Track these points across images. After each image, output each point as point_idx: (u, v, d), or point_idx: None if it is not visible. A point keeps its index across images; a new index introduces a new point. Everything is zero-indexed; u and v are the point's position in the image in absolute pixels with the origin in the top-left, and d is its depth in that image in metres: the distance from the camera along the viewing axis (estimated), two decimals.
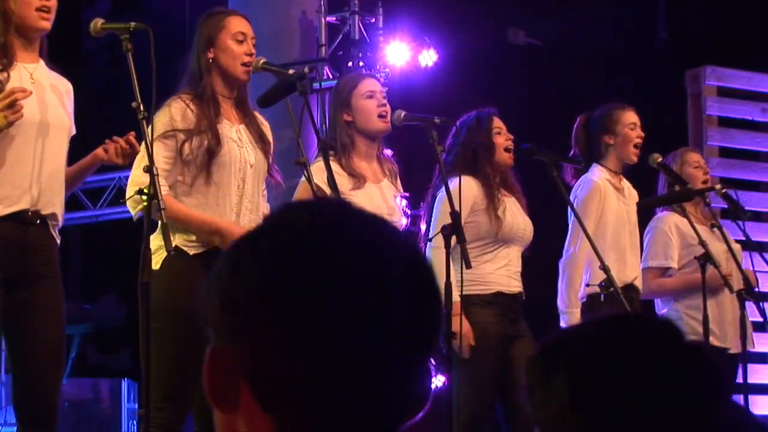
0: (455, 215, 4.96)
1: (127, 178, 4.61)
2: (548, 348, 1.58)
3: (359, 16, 8.80)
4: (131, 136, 4.44)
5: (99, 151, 4.47)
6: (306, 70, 4.36)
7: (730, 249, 6.31)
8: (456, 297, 5.17)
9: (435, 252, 5.45)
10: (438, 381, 6.19)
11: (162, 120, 4.54)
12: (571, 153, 6.12)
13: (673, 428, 1.48)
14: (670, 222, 6.40)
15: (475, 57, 9.26)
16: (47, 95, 4.38)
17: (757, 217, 8.25)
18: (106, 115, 8.95)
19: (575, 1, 9.44)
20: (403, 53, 8.57)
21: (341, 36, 8.76)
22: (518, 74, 9.52)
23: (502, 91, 8.01)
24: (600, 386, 1.51)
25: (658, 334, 1.55)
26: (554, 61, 9.31)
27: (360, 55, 8.64)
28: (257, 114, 4.82)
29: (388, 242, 1.30)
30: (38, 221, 4.31)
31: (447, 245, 4.96)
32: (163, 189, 4.23)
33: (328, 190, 5.02)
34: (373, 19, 8.89)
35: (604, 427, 1.50)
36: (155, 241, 4.60)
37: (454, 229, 4.96)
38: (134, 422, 8.36)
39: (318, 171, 4.91)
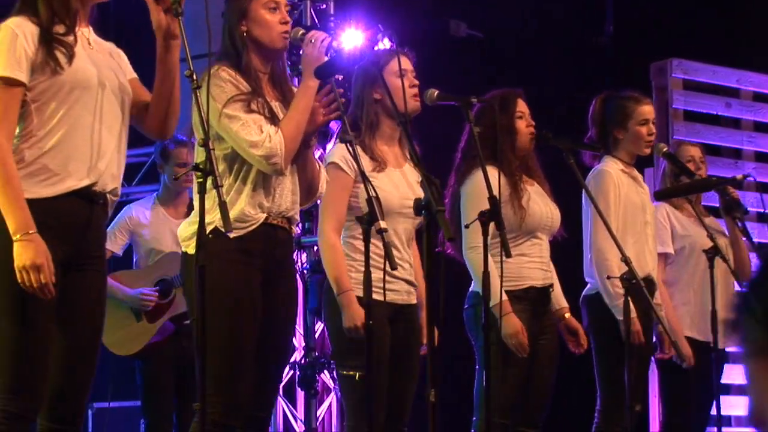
0: (494, 200, 4.66)
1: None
2: None
3: (311, 2, 8.52)
4: None
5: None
6: (379, 37, 4.02)
7: (735, 242, 6.21)
8: (504, 296, 5.02)
9: (477, 255, 5.17)
10: None
11: (224, 87, 4.21)
12: (588, 135, 5.91)
13: None
14: (662, 211, 6.24)
15: (419, 47, 9.02)
16: (108, 61, 3.99)
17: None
18: None
19: None
20: (358, 41, 8.28)
21: (292, 22, 8.40)
22: (463, 67, 9.28)
23: (448, 84, 7.78)
24: None
25: None
26: (507, 53, 9.10)
27: None
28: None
29: None
30: (101, 199, 3.91)
31: (485, 233, 4.66)
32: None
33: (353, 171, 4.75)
34: (324, 5, 8.65)
35: None
36: (192, 225, 4.26)
37: (492, 215, 4.65)
38: None
39: (343, 150, 4.64)
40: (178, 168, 6.33)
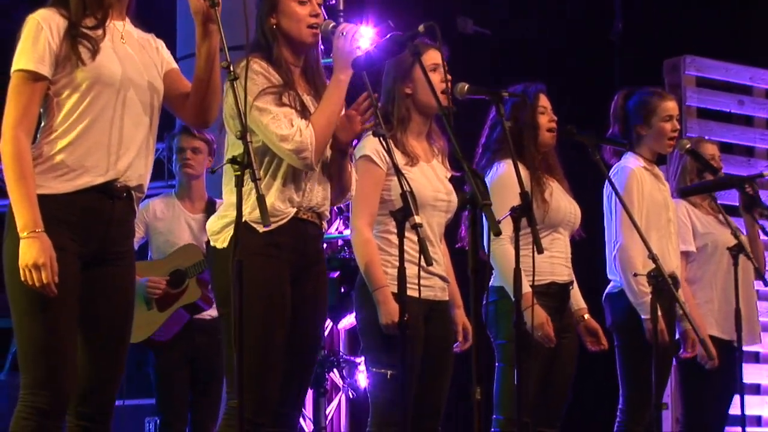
0: (525, 195, 4.58)
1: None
2: None
3: None
4: None
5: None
6: (420, 28, 3.95)
7: (755, 239, 6.18)
8: (527, 288, 4.86)
9: (500, 246, 5.11)
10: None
11: (255, 79, 4.13)
12: (610, 131, 5.86)
13: None
14: (682, 209, 6.18)
15: None
16: (139, 55, 3.91)
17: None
18: None
19: None
20: (369, 37, 8.22)
21: None
22: (470, 64, 9.23)
23: (455, 82, 7.72)
24: None
25: None
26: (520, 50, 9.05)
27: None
28: None
29: None
30: (125, 194, 3.84)
31: (516, 229, 4.59)
32: None
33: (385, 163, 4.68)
34: (334, 1, 8.61)
35: None
36: (222, 219, 4.20)
37: (524, 210, 4.57)
38: None
39: (375, 143, 4.60)
40: (180, 154, 6.33)
